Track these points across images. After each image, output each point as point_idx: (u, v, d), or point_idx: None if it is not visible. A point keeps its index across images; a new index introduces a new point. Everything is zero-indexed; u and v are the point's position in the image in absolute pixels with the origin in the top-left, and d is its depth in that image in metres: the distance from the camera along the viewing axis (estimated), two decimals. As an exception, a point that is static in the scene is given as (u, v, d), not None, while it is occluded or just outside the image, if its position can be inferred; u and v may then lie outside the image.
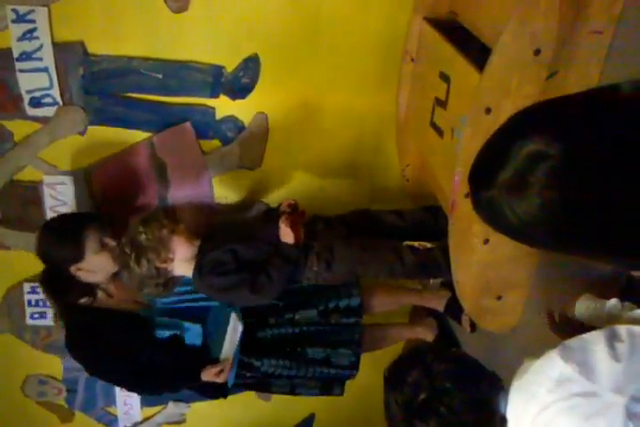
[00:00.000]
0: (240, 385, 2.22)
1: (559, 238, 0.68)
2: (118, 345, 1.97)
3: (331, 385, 2.26)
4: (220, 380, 2.04)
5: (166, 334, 2.06)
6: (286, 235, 1.87)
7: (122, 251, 1.85)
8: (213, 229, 2.06)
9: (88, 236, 1.91)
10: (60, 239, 1.89)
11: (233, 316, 2.03)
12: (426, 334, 2.39)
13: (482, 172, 0.72)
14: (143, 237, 1.81)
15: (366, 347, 2.24)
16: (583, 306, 1.25)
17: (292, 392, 2.25)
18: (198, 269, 1.88)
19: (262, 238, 1.93)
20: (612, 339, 0.94)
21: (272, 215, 2.05)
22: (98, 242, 1.92)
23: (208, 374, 2.04)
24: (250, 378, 2.19)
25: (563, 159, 0.63)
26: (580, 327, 1.20)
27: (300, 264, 1.92)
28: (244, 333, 2.07)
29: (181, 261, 1.87)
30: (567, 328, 1.25)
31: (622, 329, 0.95)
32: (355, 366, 2.18)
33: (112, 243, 1.93)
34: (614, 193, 0.62)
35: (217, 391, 2.19)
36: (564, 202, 0.64)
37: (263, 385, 2.25)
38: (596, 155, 0.62)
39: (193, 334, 2.07)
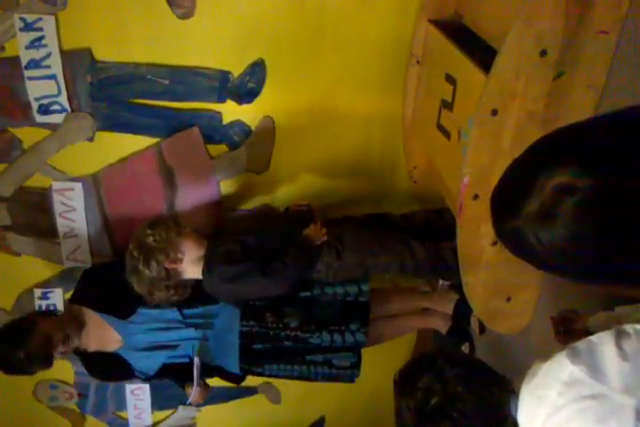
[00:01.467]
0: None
1: (586, 269, 0.67)
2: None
3: (339, 378, 2.24)
4: (193, 403, 2.15)
5: (155, 367, 2.12)
6: (315, 233, 1.91)
7: (130, 255, 1.85)
8: (221, 228, 2.07)
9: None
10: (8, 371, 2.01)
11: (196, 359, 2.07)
12: (438, 324, 2.34)
13: (506, 201, 0.70)
14: (151, 238, 1.82)
15: (373, 340, 2.19)
16: (596, 318, 1.24)
17: (302, 378, 2.23)
18: (207, 264, 1.87)
19: (273, 233, 1.95)
20: (620, 338, 0.94)
21: (283, 215, 2.05)
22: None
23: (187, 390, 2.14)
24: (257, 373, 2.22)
25: (592, 193, 0.62)
26: (585, 333, 1.19)
27: (313, 259, 1.93)
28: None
29: (190, 261, 1.87)
30: (571, 337, 1.24)
31: (629, 328, 0.95)
32: (356, 366, 2.15)
33: (61, 348, 1.98)
34: None
35: (231, 377, 2.23)
36: (592, 235, 0.63)
37: (271, 376, 2.26)
38: (627, 189, 0.61)
39: (182, 349, 2.11)
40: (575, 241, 0.64)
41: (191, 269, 1.89)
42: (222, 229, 2.22)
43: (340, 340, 2.07)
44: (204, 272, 1.88)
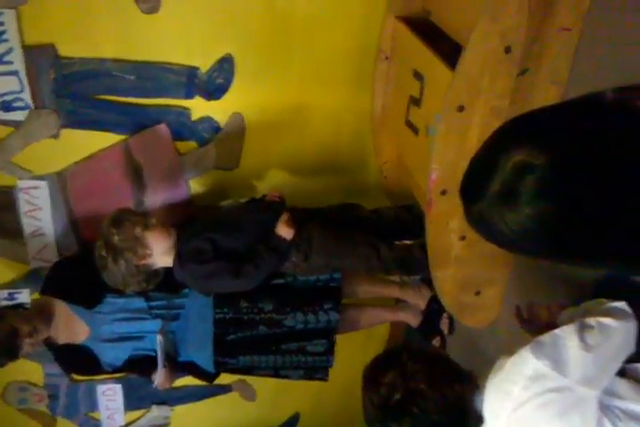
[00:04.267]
0: (223, 371, 2.24)
1: (551, 248, 0.68)
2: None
3: (313, 371, 2.24)
4: (159, 386, 2.11)
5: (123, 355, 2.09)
6: (286, 230, 1.90)
7: (98, 254, 1.84)
8: (191, 216, 2.05)
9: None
10: None
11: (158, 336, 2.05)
12: (409, 318, 2.36)
13: (471, 185, 0.72)
14: (116, 238, 1.80)
15: (344, 327, 2.21)
16: (564, 314, 1.26)
17: (277, 375, 2.23)
18: (178, 258, 1.88)
19: (244, 228, 1.94)
20: (583, 331, 0.96)
21: (257, 205, 2.05)
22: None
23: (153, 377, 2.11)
24: (230, 368, 2.21)
25: (549, 169, 0.63)
26: (549, 322, 1.21)
27: (283, 258, 1.95)
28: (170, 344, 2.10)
29: (160, 253, 1.87)
30: (535, 324, 1.26)
31: (592, 320, 0.97)
32: (330, 352, 2.16)
33: (28, 340, 1.96)
34: (603, 200, 0.62)
35: (203, 376, 2.22)
36: (554, 211, 0.64)
37: (245, 371, 2.26)
38: (582, 163, 0.62)
39: (148, 341, 2.09)
40: (539, 218, 0.65)
41: (162, 260, 1.89)
42: (192, 213, 2.20)
43: (314, 319, 2.10)
44: (175, 265, 1.89)
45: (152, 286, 1.93)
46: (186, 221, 2.03)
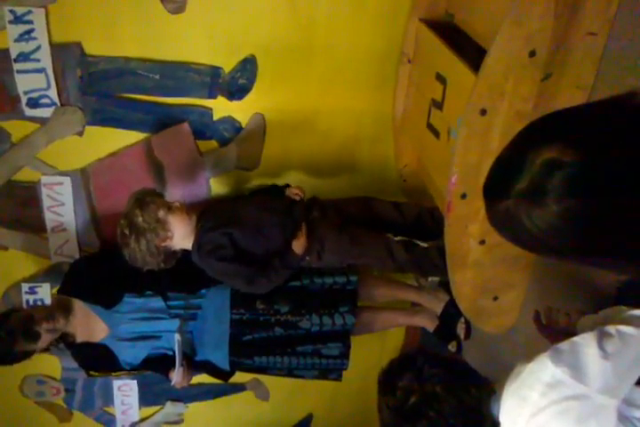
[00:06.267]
0: (239, 370, 2.26)
1: (577, 246, 0.67)
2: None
3: (328, 372, 2.25)
4: (176, 385, 2.13)
5: (142, 354, 2.12)
6: (299, 246, 1.94)
7: (121, 231, 1.89)
8: (213, 204, 2.08)
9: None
10: None
11: (177, 336, 2.07)
12: (425, 322, 2.35)
13: (497, 182, 0.71)
14: (140, 219, 1.85)
15: (360, 330, 2.22)
16: (583, 321, 1.25)
17: (291, 375, 2.25)
18: (197, 246, 1.93)
19: (264, 232, 1.96)
20: (602, 339, 0.95)
21: (277, 205, 2.05)
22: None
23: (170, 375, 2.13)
24: (245, 368, 2.23)
25: (578, 167, 0.62)
26: (567, 328, 1.20)
27: (295, 269, 2.00)
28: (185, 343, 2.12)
29: (180, 237, 1.92)
30: (554, 330, 1.25)
31: (611, 328, 0.96)
32: (345, 356, 2.17)
33: (45, 325, 1.98)
34: (632, 199, 0.61)
35: (219, 374, 2.24)
36: (581, 209, 0.63)
37: (260, 370, 2.27)
38: (612, 161, 0.62)
39: (165, 340, 2.12)
40: (566, 216, 0.64)
41: (181, 243, 1.94)
42: (214, 202, 2.22)
43: (330, 322, 2.11)
44: (193, 252, 1.94)
45: (169, 266, 1.96)
46: (206, 206, 2.06)
